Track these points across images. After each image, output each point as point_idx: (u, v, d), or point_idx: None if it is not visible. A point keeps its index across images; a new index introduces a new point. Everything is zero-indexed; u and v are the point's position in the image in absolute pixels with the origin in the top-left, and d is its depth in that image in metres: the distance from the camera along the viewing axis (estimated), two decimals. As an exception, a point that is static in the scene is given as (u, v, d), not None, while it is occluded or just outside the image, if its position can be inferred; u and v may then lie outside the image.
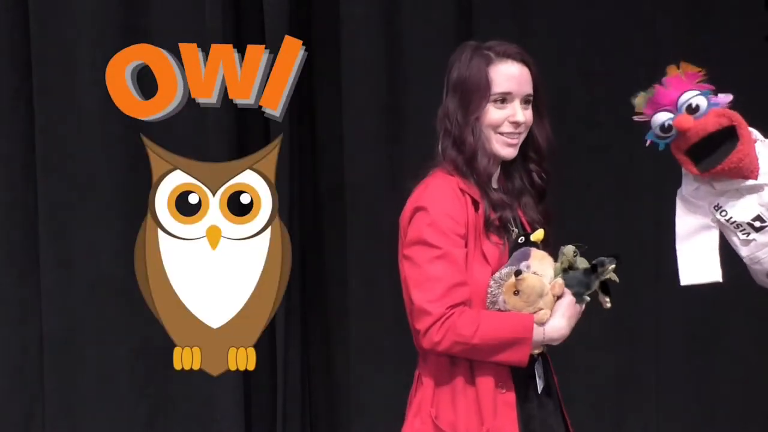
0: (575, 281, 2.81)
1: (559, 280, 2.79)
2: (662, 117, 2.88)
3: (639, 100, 2.92)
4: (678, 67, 2.93)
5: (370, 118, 4.53)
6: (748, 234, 2.88)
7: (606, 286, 2.92)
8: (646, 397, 4.67)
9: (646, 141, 2.90)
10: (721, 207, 2.90)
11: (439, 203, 2.78)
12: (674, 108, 2.88)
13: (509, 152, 2.89)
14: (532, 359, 2.81)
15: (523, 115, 2.89)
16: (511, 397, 2.80)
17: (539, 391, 2.84)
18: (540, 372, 2.86)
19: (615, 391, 4.71)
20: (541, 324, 2.76)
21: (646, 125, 2.90)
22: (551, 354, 2.91)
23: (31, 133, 4.51)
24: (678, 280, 2.94)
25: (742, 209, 2.88)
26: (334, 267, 4.57)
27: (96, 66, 4.48)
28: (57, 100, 4.49)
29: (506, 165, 2.94)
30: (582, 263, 2.83)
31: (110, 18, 4.49)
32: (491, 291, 2.77)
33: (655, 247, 4.44)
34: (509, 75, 2.88)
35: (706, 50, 4.60)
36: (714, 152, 2.87)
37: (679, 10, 4.61)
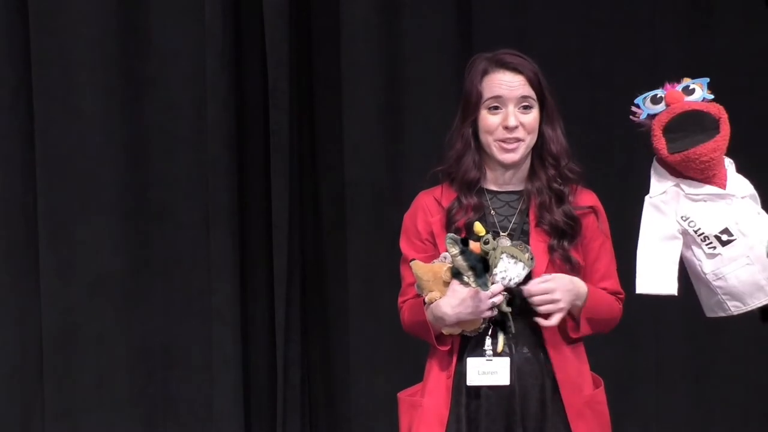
0: (468, 265, 2.90)
1: (449, 265, 2.94)
2: (658, 90, 2.91)
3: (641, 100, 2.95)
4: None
5: (370, 118, 4.53)
6: (714, 248, 2.87)
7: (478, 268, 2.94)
8: (646, 397, 4.66)
9: (636, 106, 2.94)
10: (689, 217, 2.89)
11: (410, 214, 3.10)
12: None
13: (507, 157, 3.00)
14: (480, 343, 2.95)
15: (517, 119, 2.96)
16: (449, 382, 2.97)
17: (468, 384, 2.95)
18: (481, 369, 2.95)
19: (615, 391, 4.69)
20: (429, 305, 2.96)
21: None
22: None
23: (31, 133, 4.50)
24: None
25: (709, 220, 2.88)
26: (334, 267, 4.57)
27: (95, 66, 4.48)
28: (57, 100, 4.48)
29: (531, 169, 3.06)
30: (499, 251, 2.91)
31: (110, 18, 4.48)
32: None
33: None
34: (499, 82, 3.00)
35: (707, 50, 4.60)
36: (689, 137, 2.88)
37: (679, 10, 4.60)
